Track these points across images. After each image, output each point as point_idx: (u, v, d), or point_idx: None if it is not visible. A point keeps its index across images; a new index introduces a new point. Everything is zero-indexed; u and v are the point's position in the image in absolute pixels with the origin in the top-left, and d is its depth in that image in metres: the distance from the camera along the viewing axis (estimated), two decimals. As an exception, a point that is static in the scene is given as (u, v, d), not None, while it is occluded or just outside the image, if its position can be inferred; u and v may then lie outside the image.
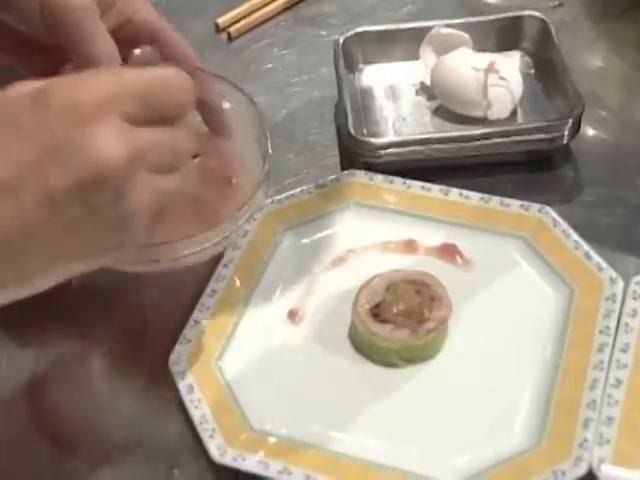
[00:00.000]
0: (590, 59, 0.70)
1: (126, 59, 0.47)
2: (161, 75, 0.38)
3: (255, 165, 0.49)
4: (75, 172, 0.33)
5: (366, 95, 0.67)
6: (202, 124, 0.51)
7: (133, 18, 0.47)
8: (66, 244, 0.35)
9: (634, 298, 0.51)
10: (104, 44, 0.44)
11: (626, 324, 0.50)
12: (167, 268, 0.47)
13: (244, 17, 0.76)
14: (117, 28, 0.46)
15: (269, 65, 0.72)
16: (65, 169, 0.33)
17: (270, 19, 0.77)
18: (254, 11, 0.76)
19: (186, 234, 0.44)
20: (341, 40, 0.66)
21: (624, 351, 0.49)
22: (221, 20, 0.76)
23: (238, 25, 0.76)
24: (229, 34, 0.75)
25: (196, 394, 0.48)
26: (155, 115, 0.37)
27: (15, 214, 0.34)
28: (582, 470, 0.44)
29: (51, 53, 0.48)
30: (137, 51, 0.42)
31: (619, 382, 0.48)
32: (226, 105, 0.51)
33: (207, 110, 0.50)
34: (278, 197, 0.58)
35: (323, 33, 0.75)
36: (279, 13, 0.77)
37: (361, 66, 0.68)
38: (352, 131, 0.60)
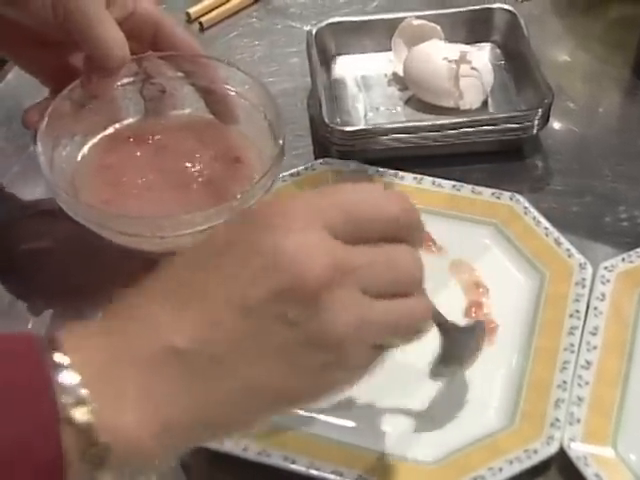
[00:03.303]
0: (557, 52, 0.71)
1: (132, 50, 0.47)
2: (370, 194, 0.35)
3: (266, 146, 0.49)
4: (274, 281, 0.31)
5: (339, 85, 0.67)
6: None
7: (135, 11, 0.48)
8: (271, 367, 0.32)
9: (602, 283, 0.52)
10: (113, 33, 0.45)
11: (595, 308, 0.51)
12: (174, 245, 0.46)
13: (216, 7, 0.76)
14: (120, 21, 0.47)
15: (242, 55, 0.73)
16: (267, 278, 0.31)
17: (242, 10, 0.77)
18: (226, 1, 0.77)
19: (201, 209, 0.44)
20: (314, 31, 0.67)
21: (593, 334, 0.50)
22: (193, 10, 0.76)
23: (210, 15, 0.76)
24: (201, 24, 0.75)
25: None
26: (363, 233, 0.34)
27: (214, 326, 0.31)
28: (553, 449, 0.46)
29: (55, 49, 0.49)
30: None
31: (589, 364, 0.49)
32: (232, 90, 0.51)
33: (212, 97, 0.51)
34: (250, 187, 0.58)
35: (294, 24, 0.75)
36: (251, 4, 0.77)
37: (334, 57, 0.69)
38: (326, 120, 0.60)
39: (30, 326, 0.52)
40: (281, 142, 0.48)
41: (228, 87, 0.52)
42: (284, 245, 0.32)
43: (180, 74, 0.53)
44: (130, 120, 0.53)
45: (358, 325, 0.33)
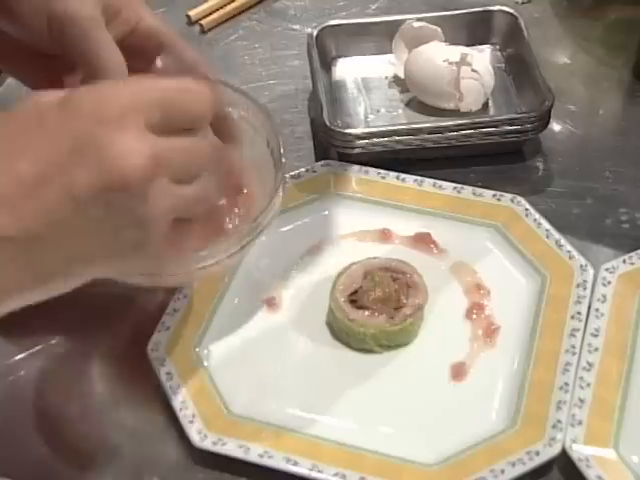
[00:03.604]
0: (558, 55, 0.71)
1: (133, 68, 0.46)
2: (181, 85, 0.38)
3: (268, 173, 0.48)
4: (100, 174, 0.34)
5: (339, 88, 0.67)
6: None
7: (138, 26, 0.47)
8: (85, 244, 0.35)
9: (604, 285, 0.52)
10: (111, 54, 0.44)
11: (596, 309, 0.51)
12: (182, 281, 0.46)
13: (216, 10, 0.76)
14: (123, 37, 0.46)
15: (242, 58, 0.73)
16: (90, 170, 0.34)
17: (242, 12, 0.77)
18: (226, 4, 0.77)
19: (199, 246, 0.43)
20: (315, 33, 0.67)
21: (595, 335, 0.50)
22: (193, 13, 0.76)
23: (210, 18, 0.76)
24: (202, 27, 0.75)
25: (175, 380, 0.48)
26: (175, 124, 0.37)
27: (39, 211, 0.34)
28: (555, 450, 0.46)
29: (51, 64, 0.48)
30: (159, 63, 0.41)
31: (590, 365, 0.49)
32: (236, 113, 0.50)
33: (217, 119, 0.49)
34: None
35: (294, 27, 0.76)
36: (251, 6, 0.77)
37: (334, 59, 0.69)
38: (327, 122, 0.60)
39: None
40: (280, 175, 0.47)
41: (232, 110, 0.49)
42: (107, 137, 0.34)
43: None
44: None
45: (172, 210, 0.37)
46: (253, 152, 0.49)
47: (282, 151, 0.48)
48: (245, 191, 0.49)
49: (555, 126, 0.65)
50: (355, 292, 0.52)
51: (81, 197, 0.34)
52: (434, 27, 0.66)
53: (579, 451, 0.45)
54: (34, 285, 0.35)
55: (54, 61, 0.47)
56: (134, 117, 0.35)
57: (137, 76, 0.43)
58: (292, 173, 0.59)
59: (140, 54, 0.47)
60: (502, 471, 0.45)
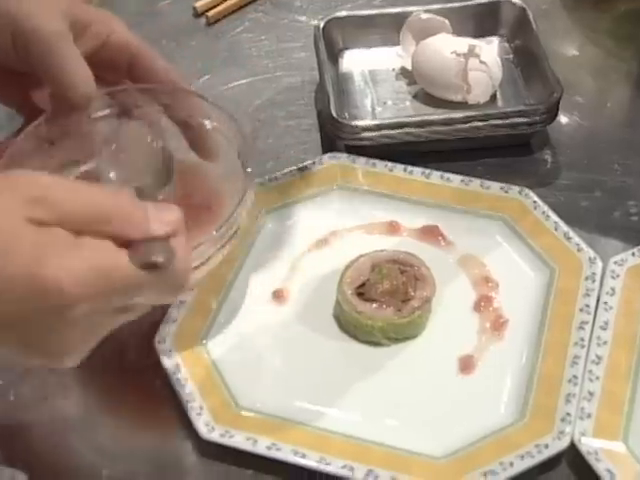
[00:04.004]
0: (566, 47, 0.71)
1: (104, 80, 0.45)
2: (156, 280, 0.35)
3: (238, 184, 0.46)
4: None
5: (346, 80, 0.67)
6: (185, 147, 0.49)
7: (109, 39, 0.46)
8: None
9: (613, 277, 0.52)
10: (78, 68, 0.43)
11: (605, 302, 0.51)
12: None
13: (222, 1, 0.76)
14: (93, 51, 0.45)
15: (249, 50, 0.72)
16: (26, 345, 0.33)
17: (248, 4, 0.77)
18: (232, -5, 0.76)
19: None
20: (321, 25, 0.67)
21: (604, 329, 0.50)
22: (199, 4, 0.76)
23: (216, 10, 0.75)
24: (207, 18, 0.75)
25: (183, 373, 0.48)
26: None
27: None
28: (564, 443, 0.45)
29: (20, 80, 0.47)
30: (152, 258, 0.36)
31: (599, 358, 0.49)
32: (209, 124, 0.49)
33: (191, 132, 0.48)
34: (260, 180, 0.58)
35: (301, 18, 0.75)
36: (257, -2, 0.77)
37: (341, 51, 0.68)
38: (334, 114, 0.60)
39: None
40: (248, 191, 0.45)
41: (206, 122, 0.49)
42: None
43: (158, 107, 0.49)
44: (108, 154, 0.47)
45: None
46: (224, 164, 0.48)
47: (249, 162, 0.46)
48: (213, 208, 0.47)
49: (563, 118, 0.64)
50: (363, 285, 0.51)
51: None
52: (441, 19, 0.66)
53: (588, 444, 0.45)
54: None
55: (22, 77, 0.46)
56: (82, 303, 0.33)
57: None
58: (299, 166, 0.59)
59: (111, 67, 0.46)
60: (511, 464, 0.44)
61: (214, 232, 0.43)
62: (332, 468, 0.45)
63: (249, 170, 0.46)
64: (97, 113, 0.48)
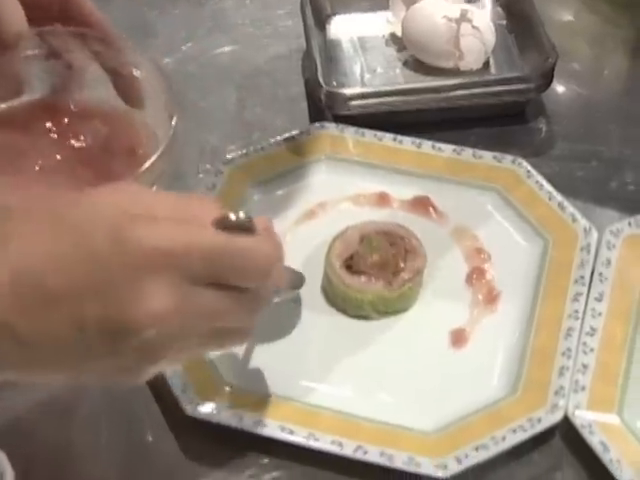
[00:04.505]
0: (562, 12, 0.69)
1: (35, 20, 0.44)
2: (242, 246, 0.34)
3: (163, 134, 0.46)
4: (111, 313, 0.32)
5: (334, 47, 0.65)
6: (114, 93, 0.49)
7: None
8: (75, 366, 0.34)
9: (608, 248, 0.51)
10: (10, 7, 0.42)
11: (600, 274, 0.50)
12: None
13: (207, -32, 0.74)
14: None
15: (235, 18, 0.70)
16: (104, 306, 0.32)
17: (235, -30, 0.74)
18: (217, -38, 0.74)
19: None
20: (309, -10, 0.65)
21: (599, 300, 0.49)
22: (184, -29, 0.73)
23: (201, -24, 0.73)
24: (191, -15, 0.73)
25: (166, 348, 0.47)
26: (221, 278, 0.34)
27: (45, 325, 0.32)
28: (557, 417, 0.44)
29: None
30: (232, 216, 0.35)
31: (594, 330, 0.48)
32: (139, 74, 0.49)
33: (120, 80, 0.48)
34: (246, 150, 0.57)
35: (286, -16, 0.73)
36: (243, -36, 0.75)
37: (329, 17, 0.67)
38: (322, 82, 0.58)
39: None
40: (171, 132, 0.45)
41: (136, 71, 0.49)
42: (131, 276, 0.32)
43: (88, 52, 0.49)
44: (35, 96, 0.49)
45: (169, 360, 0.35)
46: (151, 112, 0.48)
47: (175, 111, 0.46)
48: (140, 152, 0.47)
49: (558, 87, 0.63)
50: (351, 257, 0.50)
51: (86, 327, 0.32)
52: (433, -17, 0.64)
53: (582, 417, 0.44)
54: (14, 376, 0.34)
55: None
56: (174, 266, 0.32)
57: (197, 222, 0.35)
58: (285, 135, 0.58)
59: (42, 8, 0.46)
60: (503, 438, 0.44)
61: (134, 177, 0.43)
62: (320, 444, 0.44)
63: (174, 122, 0.46)
64: (26, 52, 0.47)
